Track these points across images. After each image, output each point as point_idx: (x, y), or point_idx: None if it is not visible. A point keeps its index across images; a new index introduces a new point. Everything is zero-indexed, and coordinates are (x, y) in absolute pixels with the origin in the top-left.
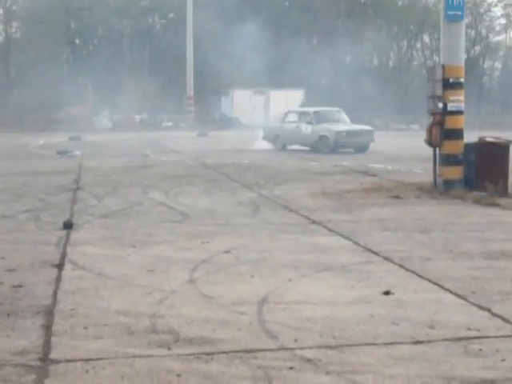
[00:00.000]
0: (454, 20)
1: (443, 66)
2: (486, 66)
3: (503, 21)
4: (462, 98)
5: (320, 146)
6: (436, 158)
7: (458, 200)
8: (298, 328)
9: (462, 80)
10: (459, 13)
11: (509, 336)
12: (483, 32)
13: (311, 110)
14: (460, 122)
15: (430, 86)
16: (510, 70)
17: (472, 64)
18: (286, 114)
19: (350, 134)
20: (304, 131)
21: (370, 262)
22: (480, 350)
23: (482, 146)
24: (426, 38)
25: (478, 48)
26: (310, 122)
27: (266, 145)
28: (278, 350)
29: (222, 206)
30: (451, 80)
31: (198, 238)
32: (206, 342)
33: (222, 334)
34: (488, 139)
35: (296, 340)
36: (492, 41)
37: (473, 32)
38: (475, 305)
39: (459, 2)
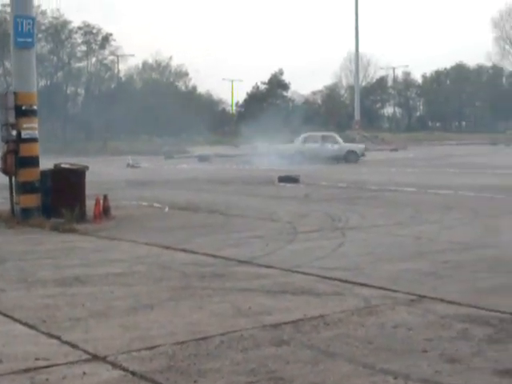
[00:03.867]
0: (24, 47)
1: (15, 93)
2: (69, 92)
3: (84, 47)
4: (35, 125)
5: None
6: (12, 186)
7: (36, 228)
8: None
9: (35, 107)
10: (29, 40)
11: (76, 361)
12: (65, 58)
13: None
14: (35, 149)
15: (3, 113)
16: (93, 96)
17: (56, 89)
18: None
19: None
20: None
21: None
22: (47, 379)
23: (58, 173)
24: (8, 64)
25: (60, 74)
26: None
27: None
28: None
29: None
30: (24, 107)
31: None
32: None
33: None
34: (64, 165)
35: None
36: (74, 67)
37: (55, 58)
38: (45, 333)
39: (28, 30)
